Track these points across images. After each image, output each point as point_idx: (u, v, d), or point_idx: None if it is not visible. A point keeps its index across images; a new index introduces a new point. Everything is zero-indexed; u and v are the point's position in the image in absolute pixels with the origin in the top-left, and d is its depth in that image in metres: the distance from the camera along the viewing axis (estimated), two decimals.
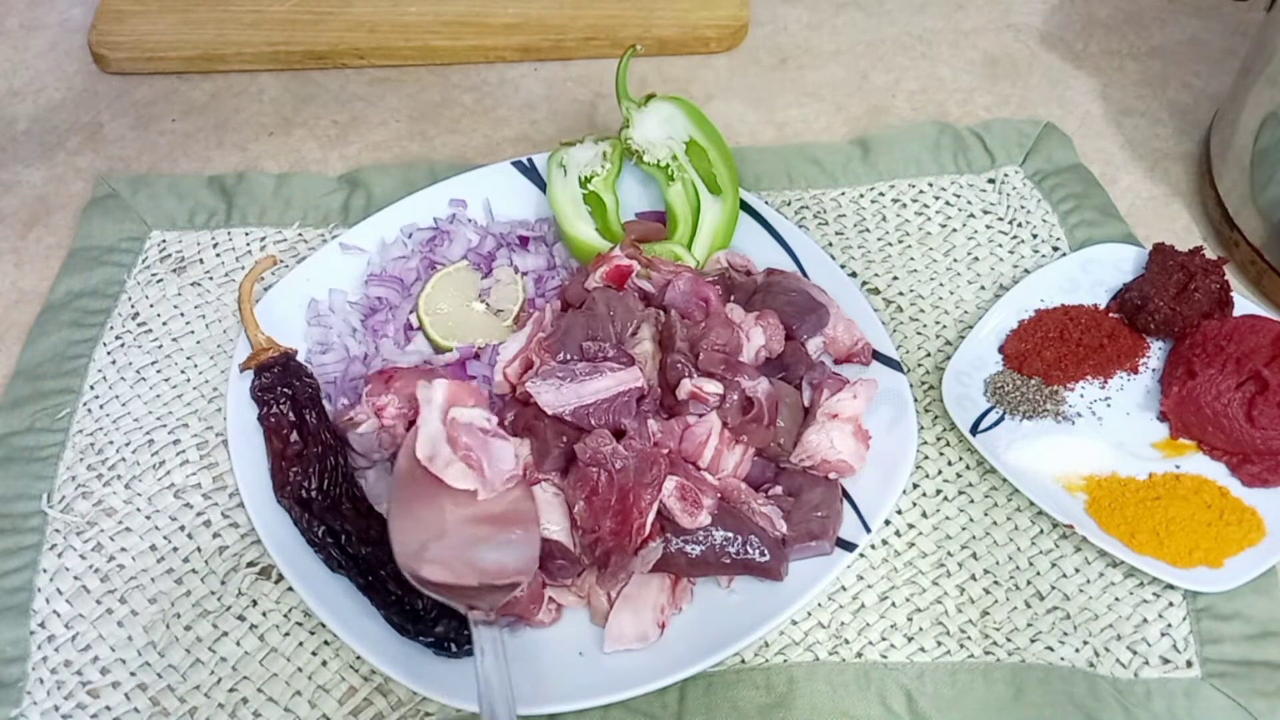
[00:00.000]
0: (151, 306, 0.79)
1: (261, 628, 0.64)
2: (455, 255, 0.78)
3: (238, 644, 0.64)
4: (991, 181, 0.84)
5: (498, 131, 0.91)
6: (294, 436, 0.67)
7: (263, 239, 0.82)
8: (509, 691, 0.55)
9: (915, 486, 0.69)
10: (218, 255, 0.82)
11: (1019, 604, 0.64)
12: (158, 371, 0.75)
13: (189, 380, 0.75)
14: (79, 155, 0.90)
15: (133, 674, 0.63)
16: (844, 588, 0.65)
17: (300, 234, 0.83)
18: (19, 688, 0.62)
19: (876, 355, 0.71)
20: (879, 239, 0.81)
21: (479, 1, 0.97)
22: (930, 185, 0.84)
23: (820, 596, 0.64)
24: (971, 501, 0.68)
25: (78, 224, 0.84)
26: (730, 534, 0.61)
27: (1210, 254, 0.73)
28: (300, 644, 0.64)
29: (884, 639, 0.63)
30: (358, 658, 0.62)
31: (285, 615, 0.65)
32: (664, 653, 0.61)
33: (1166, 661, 0.62)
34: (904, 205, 0.83)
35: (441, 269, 0.77)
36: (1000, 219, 0.82)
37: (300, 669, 0.63)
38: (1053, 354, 0.72)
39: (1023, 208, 0.82)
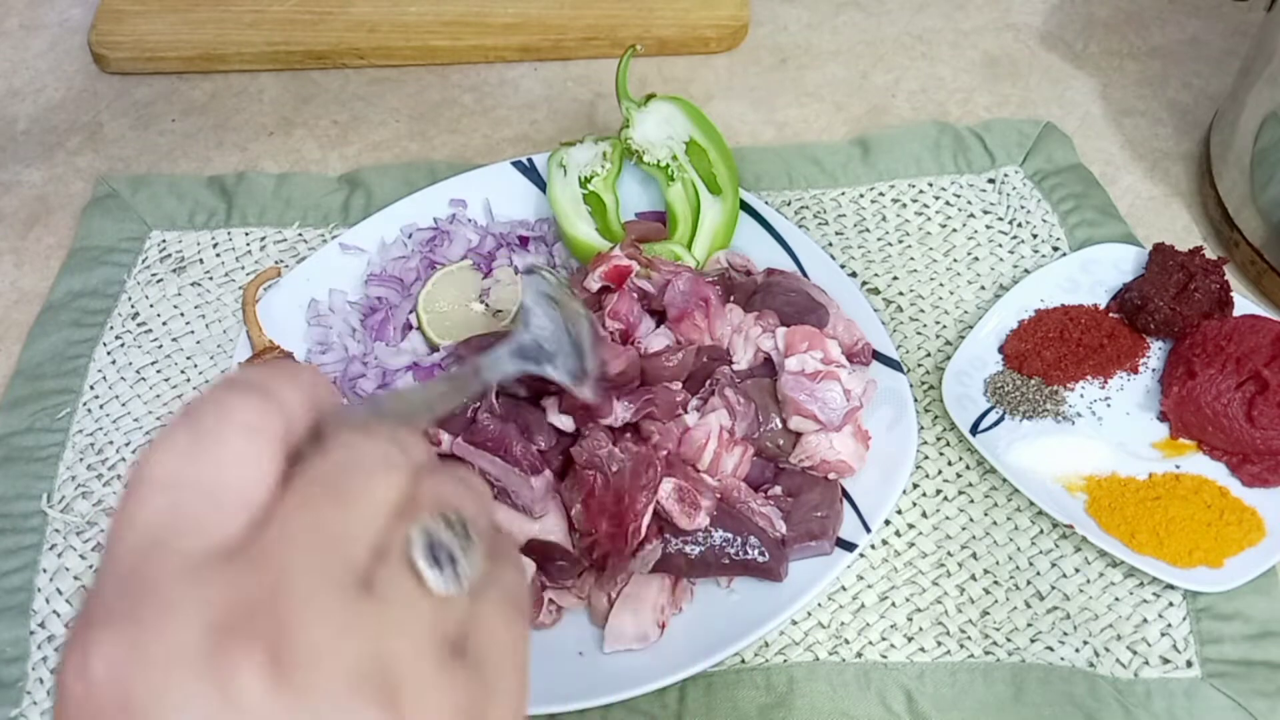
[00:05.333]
0: (151, 306, 0.79)
1: None
2: (455, 255, 0.78)
3: None
4: (991, 181, 0.84)
5: (498, 131, 0.91)
6: None
7: (263, 239, 0.82)
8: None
9: (915, 486, 0.69)
10: (218, 255, 0.82)
11: (1019, 604, 0.64)
12: (158, 371, 0.75)
13: (189, 380, 0.75)
14: (79, 155, 0.90)
15: None
16: (844, 588, 0.65)
17: (300, 234, 0.83)
18: (19, 688, 0.62)
19: (876, 355, 0.71)
20: (879, 239, 0.81)
21: (479, 1, 0.97)
22: (930, 185, 0.84)
23: (820, 596, 0.64)
24: (971, 501, 0.68)
25: (78, 224, 0.84)
26: (730, 535, 0.61)
27: (1210, 254, 0.73)
28: None
29: (884, 639, 0.63)
30: None
31: None
32: (664, 653, 0.61)
33: (1166, 661, 0.62)
34: (904, 205, 0.83)
35: (442, 268, 0.77)
36: (1000, 219, 0.82)
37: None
38: (1053, 354, 0.72)
39: (1023, 208, 0.82)
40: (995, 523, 0.67)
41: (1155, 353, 0.74)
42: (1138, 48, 0.96)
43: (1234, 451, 0.67)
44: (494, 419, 0.66)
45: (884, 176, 0.85)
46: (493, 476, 0.65)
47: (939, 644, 0.63)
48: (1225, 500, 0.66)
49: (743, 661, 0.62)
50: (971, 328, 0.75)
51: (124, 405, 0.74)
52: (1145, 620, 0.63)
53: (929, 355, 0.75)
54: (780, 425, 0.66)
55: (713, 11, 0.96)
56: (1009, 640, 0.63)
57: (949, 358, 0.73)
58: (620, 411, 0.65)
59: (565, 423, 0.65)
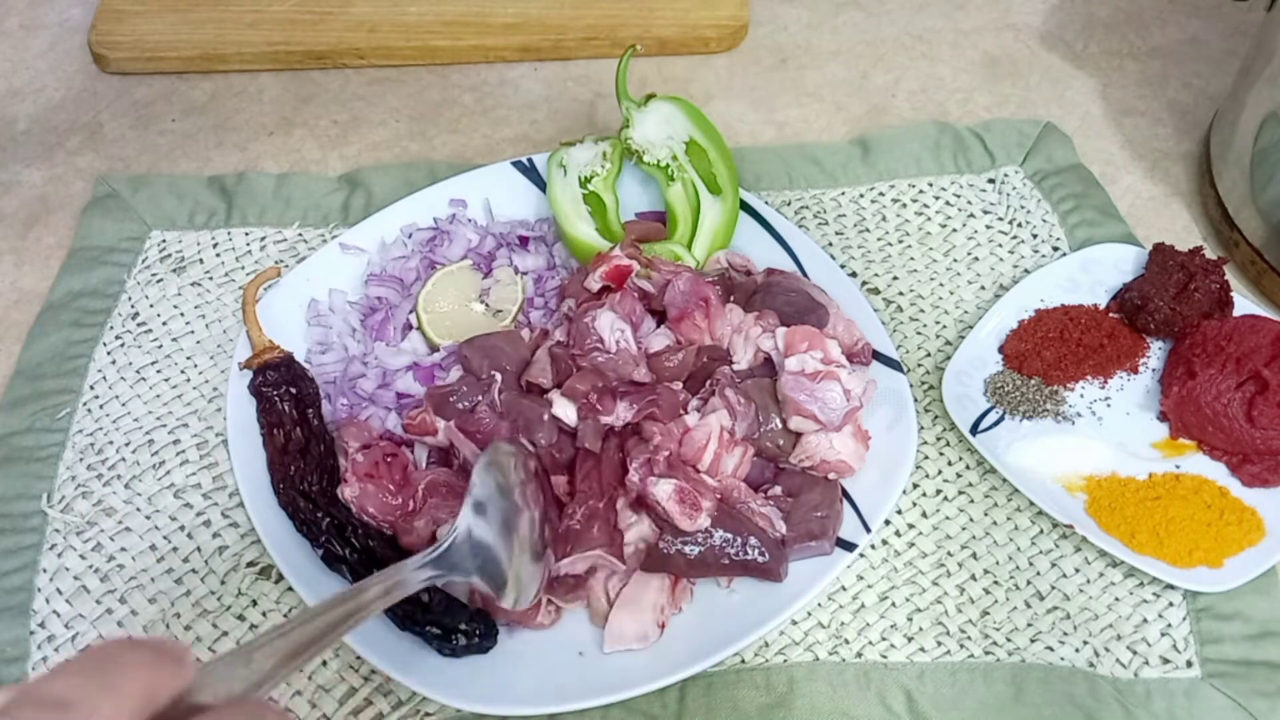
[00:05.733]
0: (151, 306, 0.79)
1: (261, 628, 0.64)
2: (455, 255, 0.78)
3: (238, 644, 0.64)
4: (991, 181, 0.84)
5: (498, 131, 0.91)
6: (297, 433, 0.67)
7: (263, 239, 0.82)
8: None
9: (915, 486, 0.69)
10: (218, 255, 0.82)
11: (1019, 604, 0.64)
12: (158, 371, 0.75)
13: (189, 380, 0.75)
14: (79, 155, 0.90)
15: None
16: (844, 588, 0.65)
17: (300, 234, 0.83)
18: None
19: (876, 355, 0.71)
20: (879, 239, 0.81)
21: (479, 1, 0.97)
22: (930, 185, 0.84)
23: (820, 596, 0.64)
24: (971, 501, 0.68)
25: (78, 224, 0.84)
26: (730, 535, 0.61)
27: (1210, 254, 0.73)
28: None
29: (884, 639, 0.63)
30: (357, 658, 0.62)
31: (285, 615, 0.65)
32: (664, 653, 0.61)
33: (1166, 661, 0.62)
34: (904, 205, 0.83)
35: (442, 268, 0.77)
36: (1000, 219, 0.82)
37: (300, 669, 0.63)
38: (1053, 354, 0.72)
39: (1023, 208, 0.82)
40: (995, 523, 0.67)
41: (1155, 353, 0.74)
42: (1138, 48, 0.96)
43: (1234, 451, 0.67)
44: (492, 414, 0.66)
45: (884, 176, 0.85)
46: None
47: (939, 644, 0.63)
48: (1225, 500, 0.66)
49: (743, 661, 0.62)
50: (971, 328, 0.75)
51: (124, 405, 0.74)
52: (1145, 620, 0.63)
53: (929, 355, 0.75)
54: (780, 425, 0.66)
55: (713, 11, 0.96)
56: (1009, 640, 0.63)
57: (949, 358, 0.73)
58: (622, 411, 0.65)
59: (569, 413, 0.65)
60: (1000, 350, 0.74)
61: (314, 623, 0.40)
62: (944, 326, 0.77)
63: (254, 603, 0.65)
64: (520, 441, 0.64)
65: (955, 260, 0.80)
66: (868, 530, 0.64)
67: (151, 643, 0.29)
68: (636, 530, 0.62)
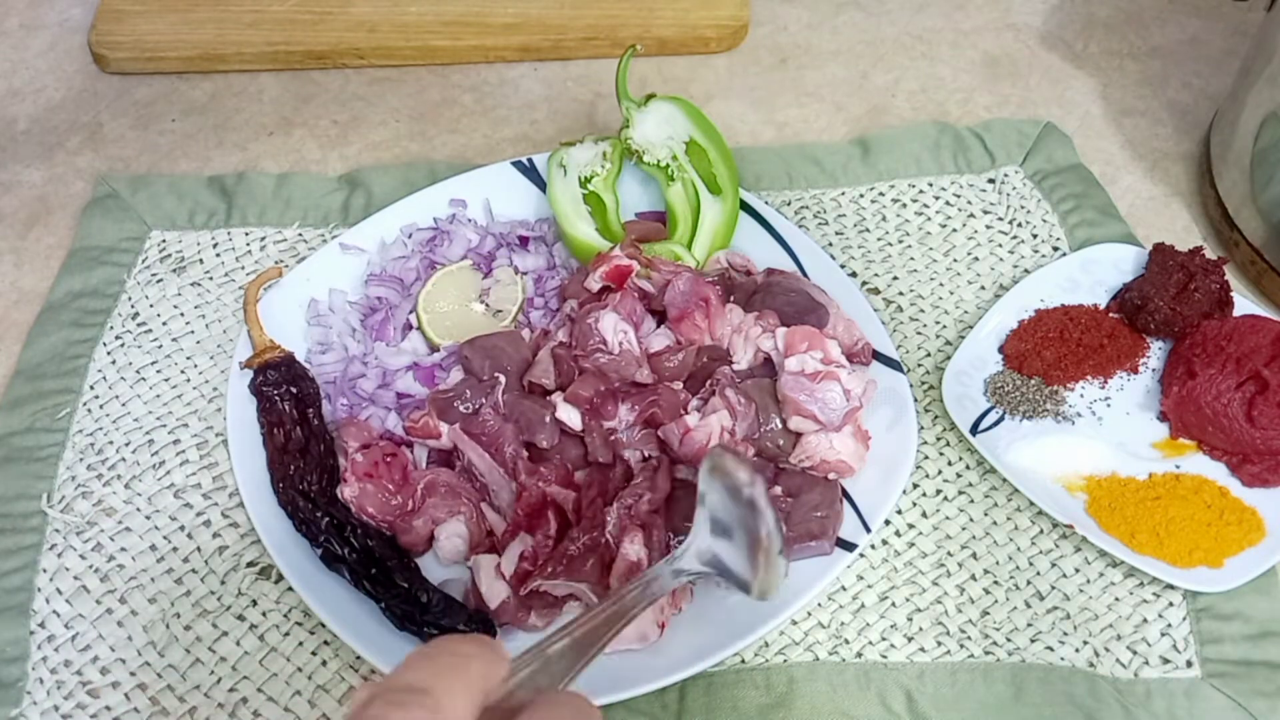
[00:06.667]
0: (151, 306, 0.79)
1: (261, 627, 0.64)
2: (455, 255, 0.78)
3: (237, 644, 0.64)
4: (991, 181, 0.84)
5: (498, 131, 0.91)
6: (297, 432, 0.67)
7: (263, 239, 0.82)
8: None
9: (915, 486, 0.69)
10: (218, 255, 0.82)
11: (1019, 604, 0.64)
12: (158, 371, 0.75)
13: (189, 380, 0.75)
14: (79, 155, 0.90)
15: (133, 674, 0.63)
16: (844, 588, 0.65)
17: (300, 234, 0.83)
18: (19, 688, 0.62)
19: (876, 355, 0.71)
20: (879, 239, 0.81)
21: (479, 1, 0.97)
22: (930, 185, 0.84)
23: (820, 596, 0.64)
24: (971, 501, 0.68)
25: (78, 224, 0.84)
26: None
27: (1210, 254, 0.73)
28: (300, 644, 0.64)
29: (884, 639, 0.63)
30: (358, 657, 0.62)
31: (285, 615, 0.65)
32: (664, 653, 0.61)
33: (1166, 661, 0.62)
34: (904, 205, 0.83)
35: (442, 268, 0.77)
36: (1000, 219, 0.82)
37: (300, 669, 0.63)
38: (1053, 354, 0.72)
39: (1023, 208, 0.82)
40: (995, 523, 0.67)
41: (1155, 353, 0.74)
42: (1138, 48, 0.96)
43: (1234, 451, 0.67)
44: (496, 415, 0.66)
45: (884, 176, 0.85)
46: (479, 471, 0.65)
47: (939, 644, 0.63)
48: (1225, 500, 0.66)
49: (743, 661, 0.62)
50: (971, 328, 0.75)
51: (124, 405, 0.74)
52: (1145, 620, 0.63)
53: (929, 355, 0.75)
54: (780, 425, 0.66)
55: (713, 11, 0.96)
56: (1009, 640, 0.63)
57: (949, 358, 0.73)
58: (625, 414, 0.65)
59: (572, 417, 0.65)
60: (1000, 350, 0.74)
61: (590, 623, 0.45)
62: (944, 326, 0.77)
63: (254, 603, 0.65)
64: (734, 449, 0.61)
65: (955, 260, 0.80)
66: (868, 530, 0.64)
67: (481, 638, 0.34)
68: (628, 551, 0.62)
